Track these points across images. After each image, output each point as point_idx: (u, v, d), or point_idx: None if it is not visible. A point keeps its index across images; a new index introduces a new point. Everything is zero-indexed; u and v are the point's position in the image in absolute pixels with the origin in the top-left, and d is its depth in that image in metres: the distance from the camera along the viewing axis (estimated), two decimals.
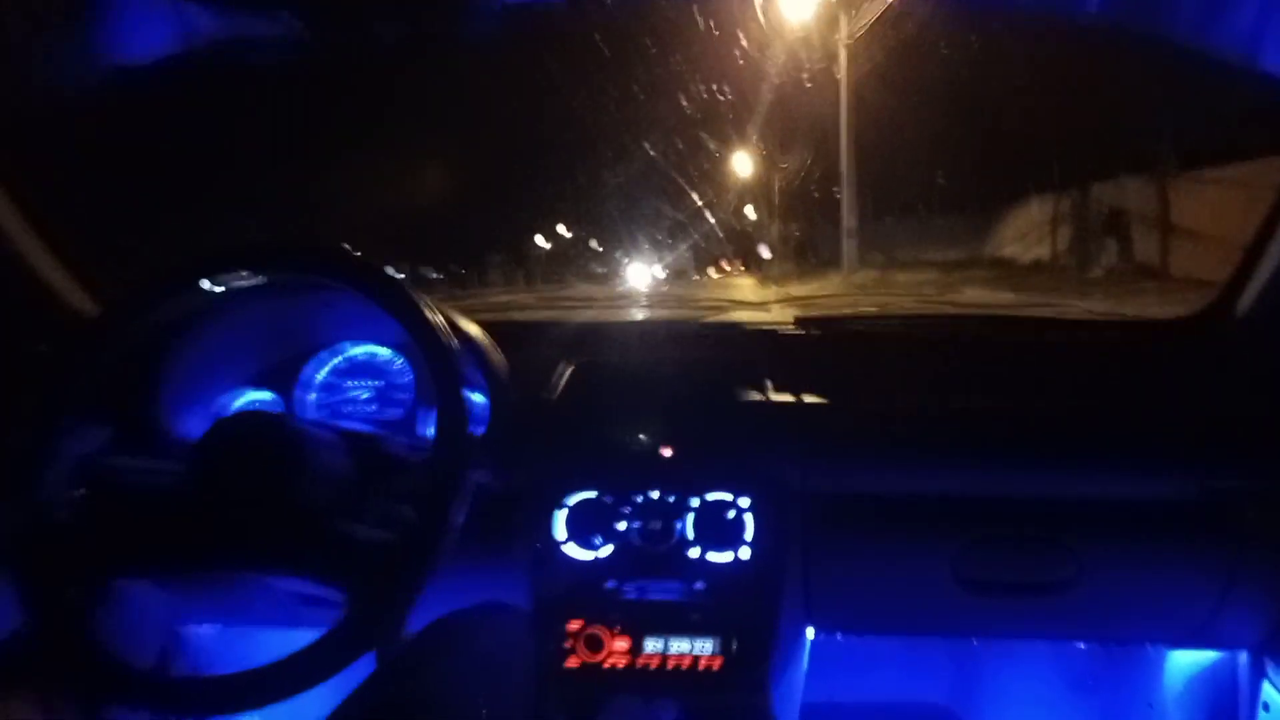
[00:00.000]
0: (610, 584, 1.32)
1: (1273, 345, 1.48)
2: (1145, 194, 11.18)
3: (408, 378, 1.54)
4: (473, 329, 1.36)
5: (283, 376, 1.51)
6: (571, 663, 1.28)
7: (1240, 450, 1.36)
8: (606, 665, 1.28)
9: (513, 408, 1.36)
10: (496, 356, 1.38)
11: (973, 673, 2.06)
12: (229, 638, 1.73)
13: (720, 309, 1.84)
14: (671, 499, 1.34)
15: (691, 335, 1.73)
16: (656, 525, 1.32)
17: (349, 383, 1.54)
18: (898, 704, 2.09)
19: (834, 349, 1.66)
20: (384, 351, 1.55)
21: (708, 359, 1.57)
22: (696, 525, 1.33)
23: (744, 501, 1.33)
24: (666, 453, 1.37)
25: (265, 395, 1.50)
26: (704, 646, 1.27)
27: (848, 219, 13.18)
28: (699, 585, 1.31)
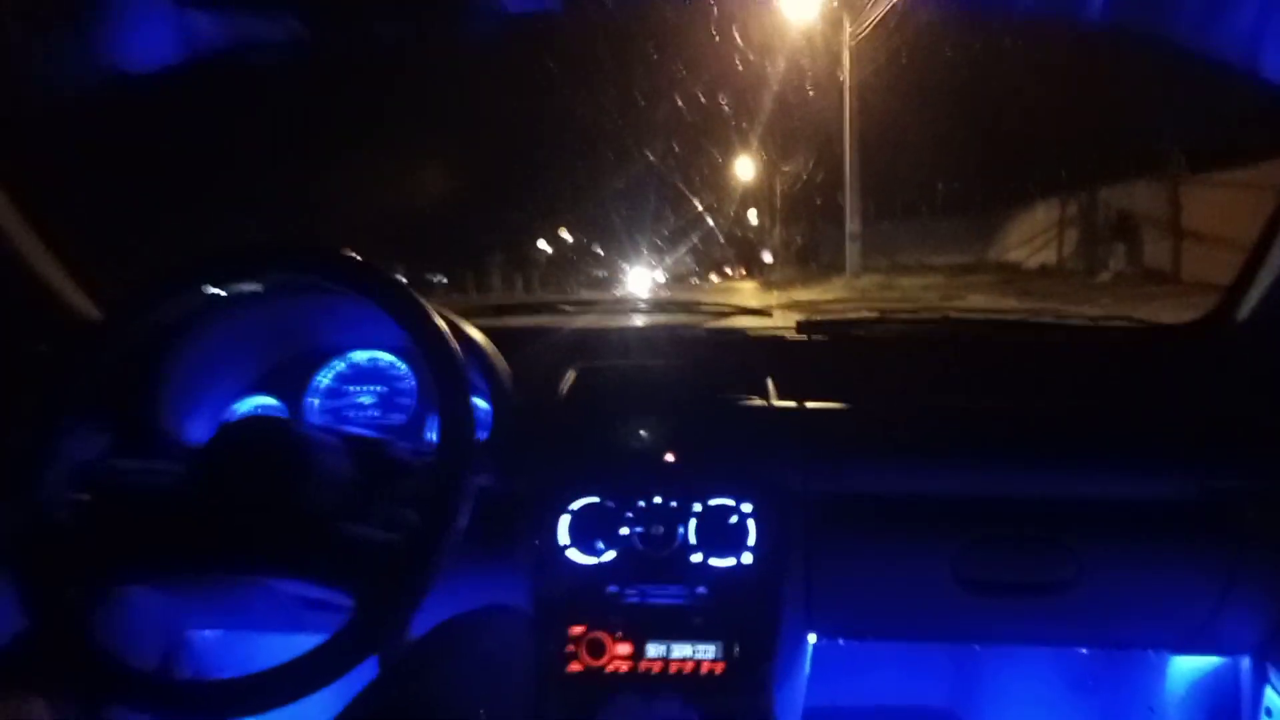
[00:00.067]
0: (612, 589, 1.31)
1: (1274, 349, 1.48)
2: (1154, 197, 11.07)
3: (411, 383, 1.53)
4: (476, 334, 1.36)
5: (286, 381, 1.51)
6: (574, 667, 1.28)
7: (1240, 451, 1.36)
8: (608, 670, 1.27)
9: (515, 413, 1.35)
10: (499, 361, 1.37)
11: (974, 677, 2.06)
12: (231, 641, 1.73)
13: (723, 314, 1.83)
14: (674, 504, 1.34)
15: (694, 340, 1.73)
16: (659, 530, 1.31)
17: (353, 388, 1.54)
18: (899, 708, 2.09)
19: (836, 354, 1.66)
20: (387, 356, 1.54)
21: (710, 364, 1.56)
22: (699, 530, 1.33)
23: (746, 506, 1.33)
24: (669, 458, 1.37)
25: (269, 400, 1.50)
26: (706, 651, 1.27)
27: (851, 223, 13.14)
28: (701, 590, 1.31)
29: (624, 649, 1.28)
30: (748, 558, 1.32)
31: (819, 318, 1.74)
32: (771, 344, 1.68)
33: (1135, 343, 1.68)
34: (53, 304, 1.52)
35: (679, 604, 1.30)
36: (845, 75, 11.73)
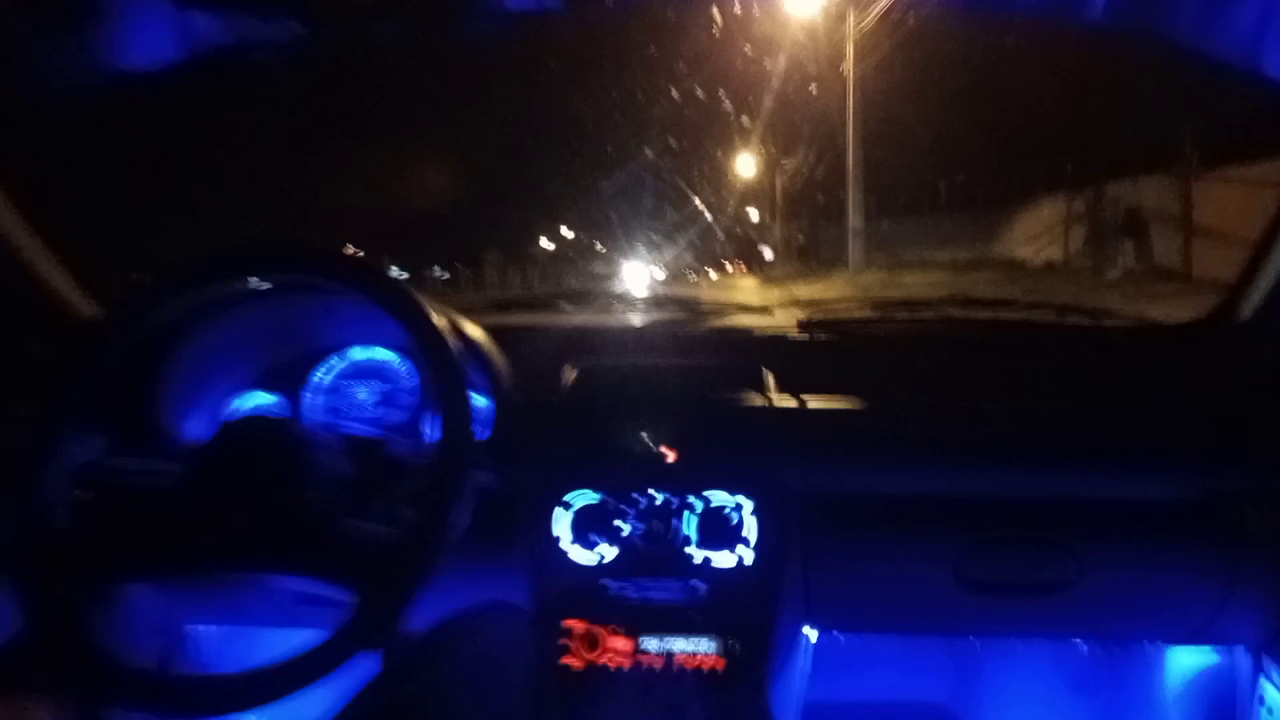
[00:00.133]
0: (612, 585, 1.32)
1: (1274, 348, 1.48)
2: (1164, 193, 10.86)
3: (411, 381, 1.54)
4: (475, 332, 1.36)
5: (287, 380, 1.51)
6: (573, 663, 1.28)
7: (1240, 450, 1.36)
8: (610, 666, 1.27)
9: (515, 410, 1.36)
10: (499, 359, 1.38)
11: (973, 672, 2.06)
12: (229, 637, 1.73)
13: (723, 311, 1.84)
14: (673, 501, 1.34)
15: (694, 338, 1.73)
16: (658, 527, 1.32)
17: (352, 386, 1.54)
18: (898, 703, 2.09)
19: (836, 352, 1.66)
20: (387, 355, 1.55)
21: (710, 361, 1.57)
22: (698, 527, 1.33)
23: (745, 503, 1.34)
24: (669, 455, 1.37)
25: (269, 399, 1.50)
26: (705, 647, 1.27)
27: (854, 218, 13.03)
28: (700, 586, 1.31)
29: (623, 645, 1.28)
30: (747, 555, 1.32)
31: (820, 315, 1.74)
32: (772, 342, 1.68)
33: (1136, 341, 1.68)
34: (53, 304, 1.52)
35: (678, 600, 1.31)
36: (848, 67, 11.62)
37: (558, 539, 1.33)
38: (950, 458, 1.40)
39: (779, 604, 1.32)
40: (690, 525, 1.33)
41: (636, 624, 1.29)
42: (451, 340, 1.06)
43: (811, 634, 1.46)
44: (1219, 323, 1.58)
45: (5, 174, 1.47)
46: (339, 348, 1.54)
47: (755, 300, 1.91)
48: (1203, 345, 1.59)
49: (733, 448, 1.41)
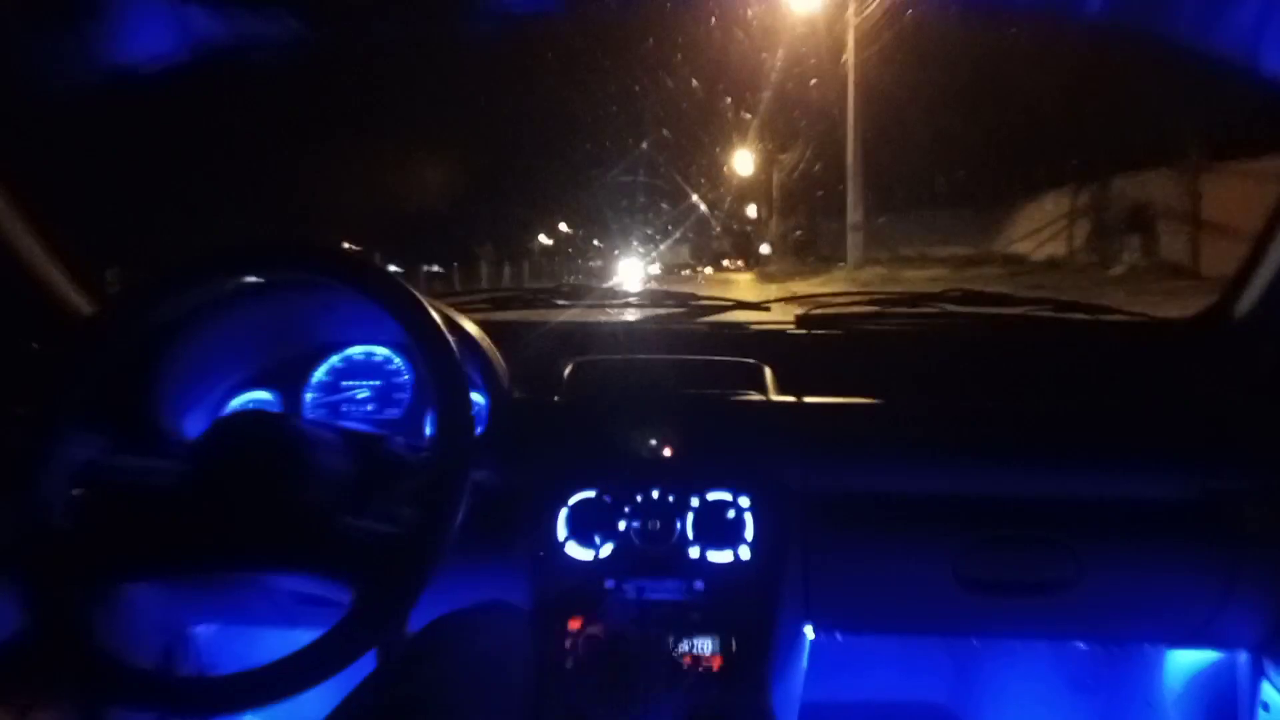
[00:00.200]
0: (610, 583, 1.32)
1: (1273, 346, 1.49)
2: (1171, 187, 10.72)
3: (408, 378, 1.54)
4: (472, 328, 1.36)
5: (282, 376, 1.51)
6: (571, 662, 1.28)
7: (1240, 450, 1.36)
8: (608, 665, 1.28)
9: (512, 407, 1.36)
10: (496, 356, 1.38)
11: (972, 672, 2.06)
12: (229, 637, 1.73)
13: (721, 308, 1.83)
14: (672, 498, 1.34)
15: (691, 334, 1.73)
16: (657, 525, 1.32)
17: (349, 383, 1.54)
18: (897, 703, 2.09)
19: (835, 348, 1.66)
20: (384, 351, 1.55)
21: (708, 358, 1.56)
22: (696, 525, 1.33)
23: (744, 501, 1.34)
24: (667, 452, 1.37)
25: (265, 395, 1.50)
26: (704, 646, 1.27)
27: (853, 213, 12.93)
28: (699, 585, 1.31)
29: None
30: (745, 552, 1.32)
31: (818, 311, 1.74)
32: (770, 338, 1.68)
33: (1135, 338, 1.68)
34: (53, 304, 1.53)
35: (676, 598, 1.30)
36: (849, 58, 11.50)
37: (556, 536, 1.33)
38: (950, 456, 1.40)
39: (778, 602, 1.32)
40: (689, 523, 1.33)
41: (636, 623, 1.30)
42: (449, 337, 1.06)
43: (810, 633, 1.46)
44: (1218, 320, 1.58)
45: (5, 174, 1.47)
46: (337, 345, 1.54)
47: (752, 296, 1.91)
48: (1202, 343, 1.59)
49: (731, 445, 1.41)
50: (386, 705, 0.99)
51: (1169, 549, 1.36)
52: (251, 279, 1.26)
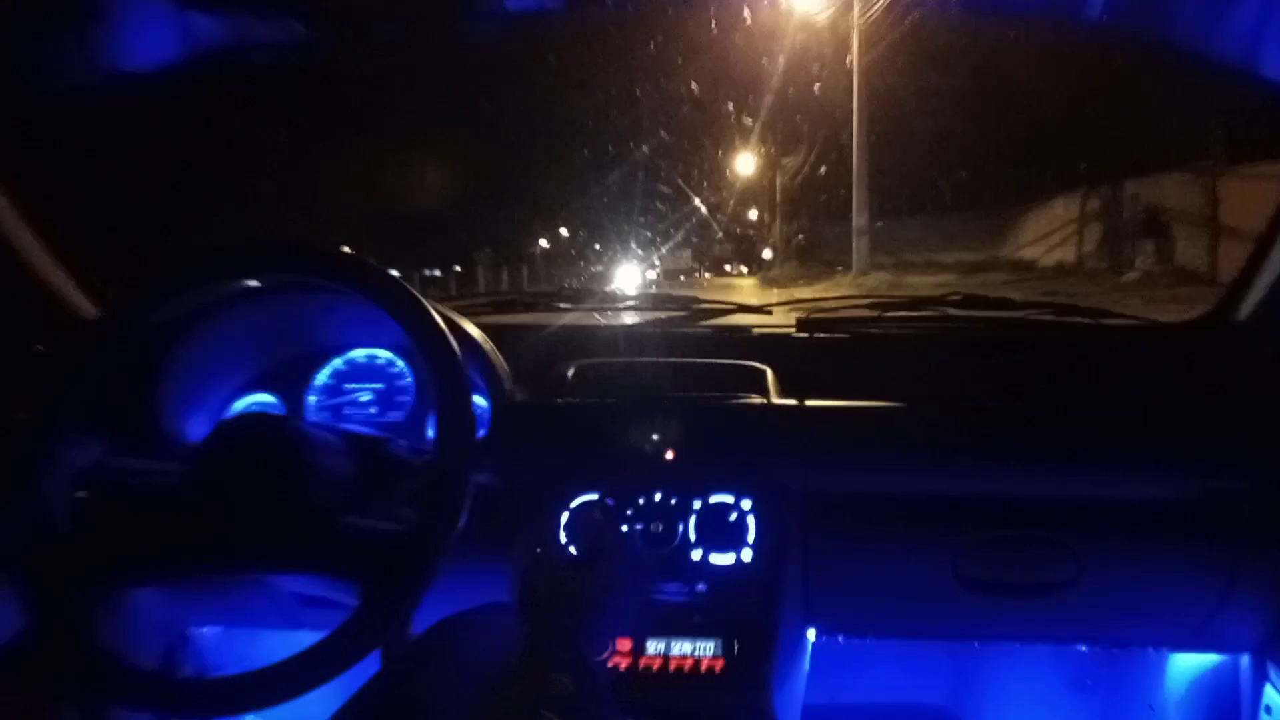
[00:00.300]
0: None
1: (1274, 348, 1.49)
2: (1188, 190, 10.46)
3: (410, 380, 1.54)
4: (474, 331, 1.36)
5: (285, 379, 1.51)
6: None
7: (1240, 450, 1.36)
8: (608, 666, 1.27)
9: (514, 410, 1.36)
10: (497, 359, 1.38)
11: (973, 674, 2.06)
12: (230, 639, 1.73)
13: (722, 311, 1.83)
14: (673, 501, 1.34)
15: (693, 337, 1.73)
16: (658, 527, 1.32)
17: (351, 385, 1.54)
18: (899, 705, 2.09)
19: (836, 351, 1.66)
20: (386, 354, 1.55)
21: (709, 361, 1.56)
22: (698, 527, 1.33)
23: (746, 504, 1.33)
24: (669, 455, 1.37)
25: (268, 398, 1.50)
26: (706, 648, 1.27)
27: (859, 217, 12.79)
28: (701, 587, 1.31)
29: (623, 645, 1.28)
30: (747, 555, 1.32)
31: (819, 315, 1.74)
32: (772, 341, 1.68)
33: (1136, 340, 1.68)
34: (53, 304, 1.52)
35: (678, 601, 1.30)
36: (854, 59, 11.37)
37: (558, 540, 1.33)
38: (951, 458, 1.40)
39: (779, 604, 1.31)
40: (690, 526, 1.33)
41: (638, 625, 1.29)
42: (451, 340, 1.06)
43: (812, 635, 1.46)
44: (1219, 322, 1.59)
45: (5, 174, 1.47)
46: (338, 348, 1.54)
47: (754, 300, 1.91)
48: (1202, 344, 1.59)
49: (732, 447, 1.41)
50: (389, 706, 0.99)
51: (1169, 549, 1.36)
52: (253, 281, 1.26)
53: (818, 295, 2.51)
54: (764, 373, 1.50)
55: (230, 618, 1.63)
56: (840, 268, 14.13)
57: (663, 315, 1.85)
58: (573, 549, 1.33)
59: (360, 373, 1.55)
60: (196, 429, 1.39)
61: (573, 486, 1.35)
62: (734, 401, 1.45)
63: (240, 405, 1.49)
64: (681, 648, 1.27)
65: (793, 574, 1.36)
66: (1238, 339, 1.54)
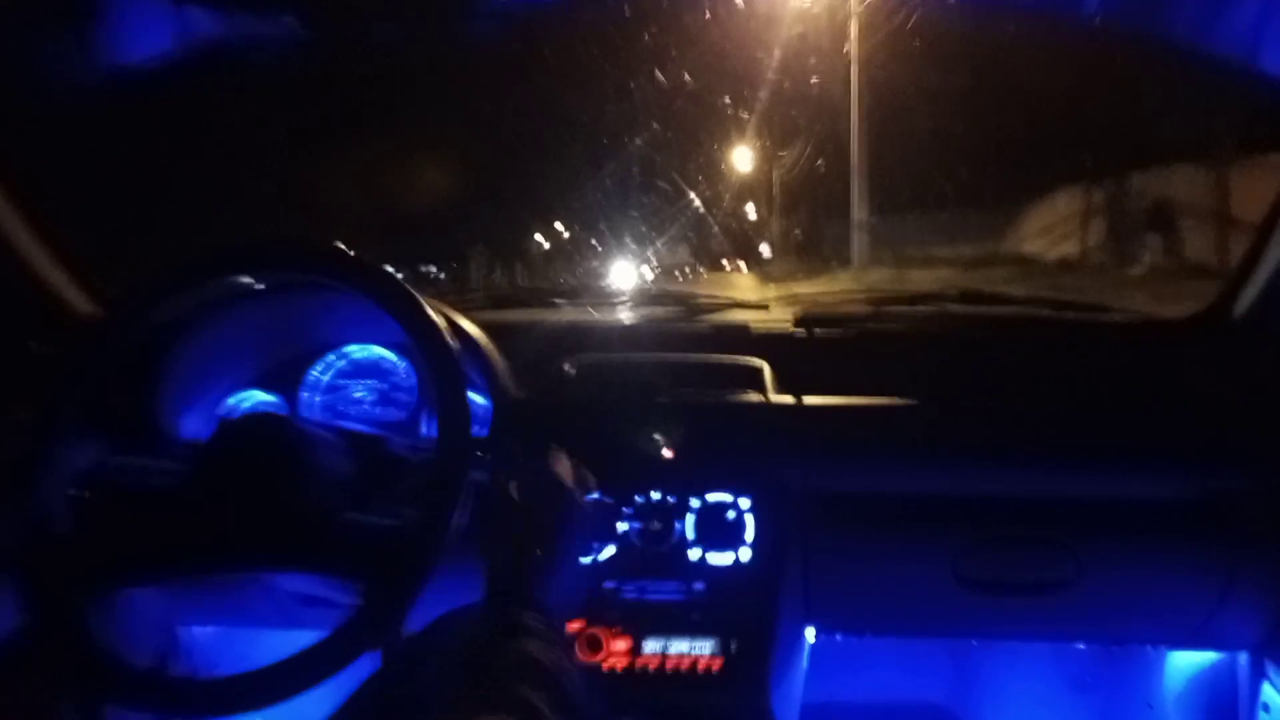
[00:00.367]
0: (610, 585, 1.32)
1: (1272, 345, 1.49)
2: (1196, 182, 10.16)
3: (409, 378, 1.54)
4: (473, 329, 1.36)
5: (285, 378, 1.51)
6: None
7: (1240, 450, 1.36)
8: (606, 666, 1.27)
9: (513, 408, 1.36)
10: (496, 356, 1.38)
11: (973, 673, 2.07)
12: (228, 638, 1.73)
13: (719, 307, 1.83)
14: (672, 500, 1.34)
15: (690, 334, 1.73)
16: (657, 526, 1.32)
17: (350, 384, 1.54)
18: (898, 704, 2.10)
19: (834, 348, 1.66)
20: (385, 353, 1.55)
21: (707, 358, 1.56)
22: (697, 526, 1.33)
23: (744, 502, 1.33)
24: (667, 453, 1.37)
25: (268, 397, 1.50)
26: (704, 647, 1.27)
27: (858, 211, 12.65)
28: (699, 586, 1.31)
29: (621, 645, 1.28)
30: (746, 553, 1.32)
31: (817, 311, 1.74)
32: (770, 338, 1.68)
33: (1135, 337, 1.68)
34: (53, 304, 1.53)
35: (677, 600, 1.30)
36: (852, 46, 11.22)
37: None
38: (950, 456, 1.40)
39: (778, 603, 1.32)
40: (689, 524, 1.33)
41: (636, 624, 1.29)
42: (449, 338, 1.06)
43: (811, 634, 1.46)
44: (1218, 319, 1.59)
45: (5, 174, 1.47)
46: (337, 346, 1.54)
47: (752, 297, 1.91)
48: (1201, 342, 1.59)
49: (731, 446, 1.41)
50: (384, 706, 0.99)
51: (1169, 549, 1.36)
52: (252, 279, 1.26)
53: (816, 291, 2.51)
54: (761, 369, 1.50)
55: (229, 617, 1.63)
56: (837, 263, 14.04)
57: (659, 311, 1.85)
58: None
59: (360, 371, 1.55)
60: (196, 428, 1.39)
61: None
62: (732, 400, 1.45)
63: (240, 404, 1.49)
64: (679, 647, 1.27)
65: (791, 573, 1.36)
66: (1236, 335, 1.54)
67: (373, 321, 1.43)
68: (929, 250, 13.37)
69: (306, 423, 1.11)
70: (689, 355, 1.57)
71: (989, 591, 1.39)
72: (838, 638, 1.52)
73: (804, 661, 1.46)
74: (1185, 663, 1.67)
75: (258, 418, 1.10)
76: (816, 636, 1.47)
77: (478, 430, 1.07)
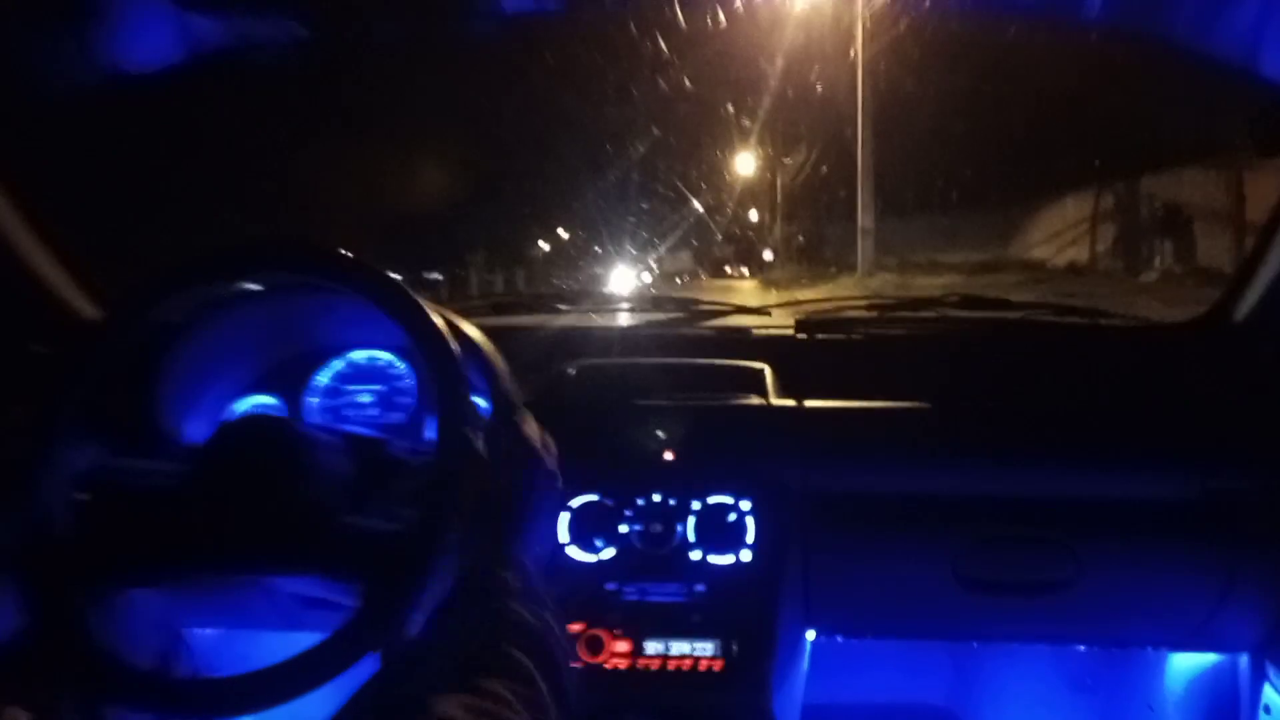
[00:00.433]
0: (611, 586, 1.32)
1: (1273, 347, 1.49)
2: (1210, 186, 10.03)
3: (410, 382, 1.54)
4: (474, 332, 1.36)
5: (286, 380, 1.51)
6: (572, 664, 1.28)
7: (1240, 451, 1.36)
8: (607, 667, 1.28)
9: (514, 411, 1.36)
10: (498, 359, 1.38)
11: (973, 674, 2.06)
12: (229, 640, 1.73)
13: (721, 312, 1.84)
14: (673, 502, 1.34)
15: (692, 338, 1.73)
16: (658, 528, 1.32)
17: (352, 387, 1.54)
18: (898, 705, 2.10)
19: (835, 352, 1.66)
20: (386, 355, 1.55)
21: (710, 362, 1.57)
22: (698, 528, 1.33)
23: (745, 504, 1.34)
24: (668, 456, 1.37)
25: (268, 399, 1.50)
26: (704, 648, 1.28)
27: (863, 217, 12.56)
28: (700, 587, 1.31)
29: (622, 646, 1.28)
30: (746, 555, 1.32)
31: (818, 316, 1.74)
32: (771, 342, 1.68)
33: (1135, 340, 1.68)
34: (53, 304, 1.52)
35: (678, 601, 1.31)
36: (857, 52, 11.16)
37: (558, 539, 1.33)
38: (951, 457, 1.40)
39: (779, 605, 1.32)
40: (690, 526, 1.33)
41: (637, 625, 1.29)
42: (450, 341, 1.06)
43: (811, 635, 1.46)
44: (1218, 322, 1.59)
45: (5, 174, 1.47)
46: (338, 349, 1.54)
47: (754, 302, 1.91)
48: (1201, 344, 1.60)
49: (732, 448, 1.41)
50: (387, 706, 0.99)
51: (1169, 549, 1.36)
52: (252, 281, 1.26)
53: (818, 297, 2.51)
54: (762, 373, 1.50)
55: (229, 619, 1.63)
56: (841, 269, 14.01)
57: (661, 316, 1.85)
58: (573, 550, 1.33)
59: (361, 374, 1.55)
60: (196, 430, 1.39)
61: (573, 487, 1.35)
62: (733, 402, 1.45)
63: (241, 406, 1.49)
64: (680, 648, 1.28)
65: (792, 574, 1.36)
66: (1237, 338, 1.54)
67: (373, 324, 1.43)
68: (934, 256, 13.26)
69: (307, 425, 1.11)
70: (690, 359, 1.58)
71: (989, 592, 1.39)
72: (838, 639, 1.52)
73: (805, 662, 1.46)
74: (1186, 664, 1.67)
75: (258, 420, 1.10)
76: (817, 637, 1.47)
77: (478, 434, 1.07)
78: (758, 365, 1.52)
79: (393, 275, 1.08)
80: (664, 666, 1.27)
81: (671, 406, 1.44)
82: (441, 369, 1.04)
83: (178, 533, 1.02)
